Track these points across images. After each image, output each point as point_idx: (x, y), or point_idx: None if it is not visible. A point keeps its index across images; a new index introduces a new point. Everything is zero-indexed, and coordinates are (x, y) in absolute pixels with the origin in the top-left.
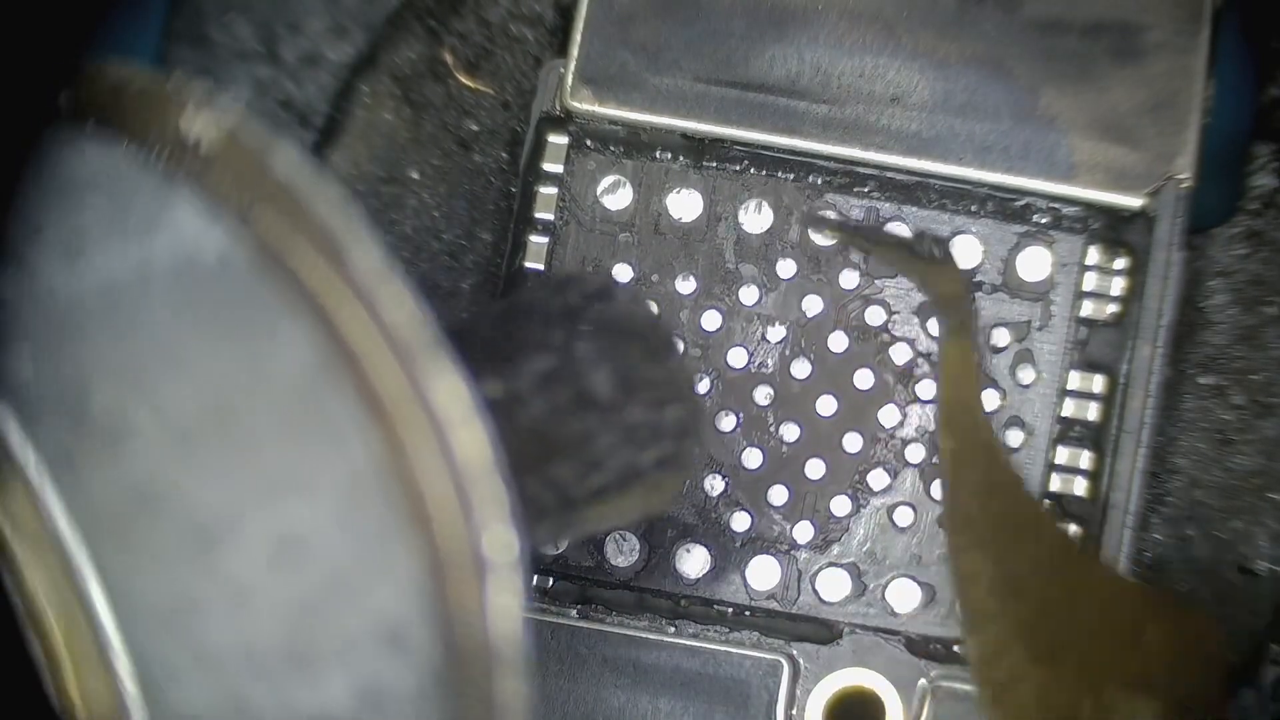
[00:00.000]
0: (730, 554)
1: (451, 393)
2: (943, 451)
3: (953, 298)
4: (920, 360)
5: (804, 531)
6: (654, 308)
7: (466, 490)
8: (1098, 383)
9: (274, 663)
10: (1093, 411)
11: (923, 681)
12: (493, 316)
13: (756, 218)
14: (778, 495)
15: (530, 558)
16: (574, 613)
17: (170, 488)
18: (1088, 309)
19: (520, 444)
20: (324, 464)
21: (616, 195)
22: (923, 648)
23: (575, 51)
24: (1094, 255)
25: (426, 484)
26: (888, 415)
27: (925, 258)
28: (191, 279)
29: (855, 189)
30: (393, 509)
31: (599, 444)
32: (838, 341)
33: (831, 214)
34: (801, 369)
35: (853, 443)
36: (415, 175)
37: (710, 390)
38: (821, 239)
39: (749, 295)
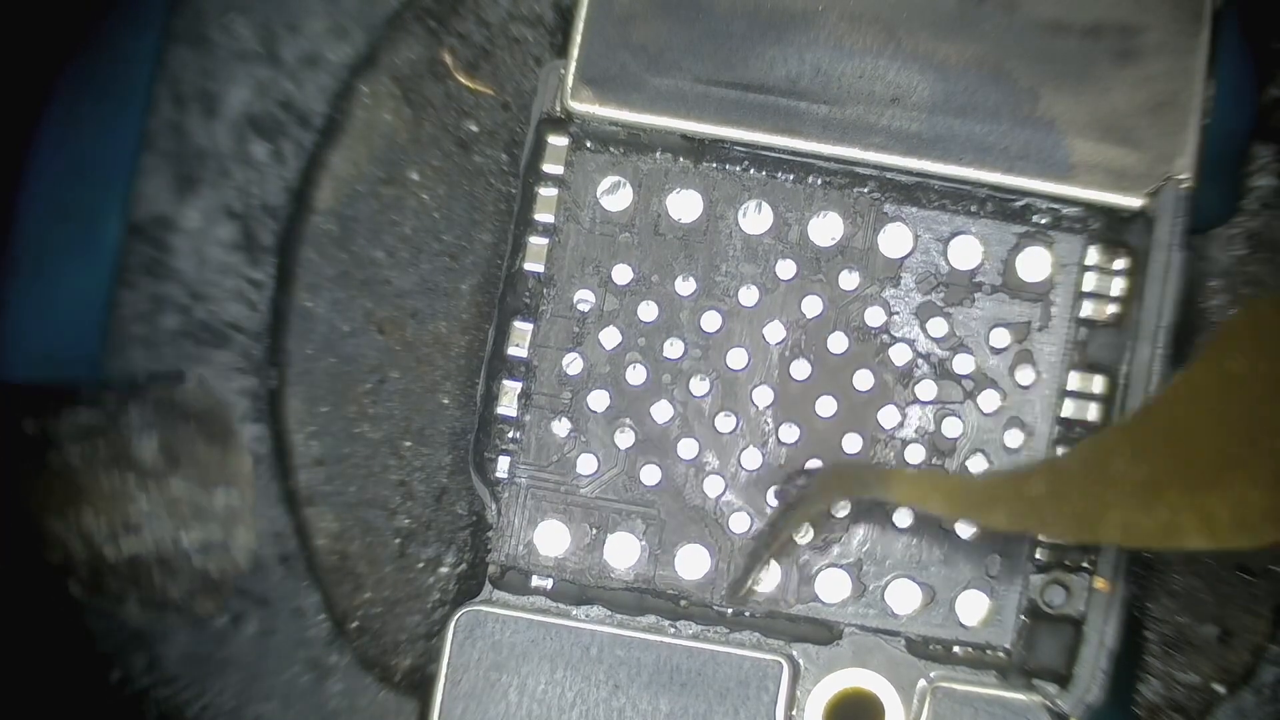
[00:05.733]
0: (730, 555)
1: None
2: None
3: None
4: (920, 361)
5: (804, 532)
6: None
7: None
8: (1098, 383)
9: None
10: (1093, 412)
11: (922, 682)
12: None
13: (756, 218)
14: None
15: None
16: (574, 613)
17: None
18: (1087, 309)
19: (47, 484)
20: None
21: (616, 196)
22: (922, 648)
23: (575, 52)
24: (1094, 256)
25: None
26: (887, 416)
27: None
28: None
29: (855, 189)
30: None
31: (134, 507)
32: (837, 342)
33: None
34: (801, 370)
35: (852, 444)
36: (415, 176)
37: (710, 391)
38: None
39: (749, 296)
